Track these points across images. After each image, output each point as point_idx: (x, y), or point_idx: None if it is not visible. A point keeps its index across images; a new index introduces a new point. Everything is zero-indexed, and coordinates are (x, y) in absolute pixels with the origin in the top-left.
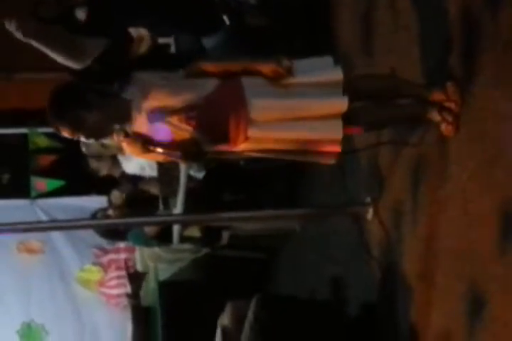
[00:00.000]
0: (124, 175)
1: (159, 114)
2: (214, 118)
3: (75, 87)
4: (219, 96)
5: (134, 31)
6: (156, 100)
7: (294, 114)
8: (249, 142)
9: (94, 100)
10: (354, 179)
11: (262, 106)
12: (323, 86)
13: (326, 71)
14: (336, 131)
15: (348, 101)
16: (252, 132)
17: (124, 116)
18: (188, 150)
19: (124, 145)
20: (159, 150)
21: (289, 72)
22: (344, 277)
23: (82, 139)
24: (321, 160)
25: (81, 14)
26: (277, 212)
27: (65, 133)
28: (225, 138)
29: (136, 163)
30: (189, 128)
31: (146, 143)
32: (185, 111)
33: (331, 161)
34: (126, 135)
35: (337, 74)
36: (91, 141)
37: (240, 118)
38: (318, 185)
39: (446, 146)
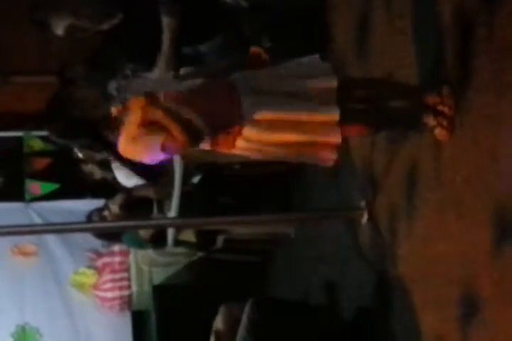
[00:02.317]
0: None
1: None
2: (207, 103)
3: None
4: (212, 87)
5: None
6: None
7: (290, 116)
8: (245, 142)
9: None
10: (348, 183)
11: (255, 105)
12: (318, 94)
13: (321, 78)
14: (334, 135)
15: (339, 110)
16: (247, 131)
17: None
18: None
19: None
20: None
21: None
22: (338, 281)
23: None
24: (320, 161)
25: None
26: (272, 216)
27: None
28: (223, 126)
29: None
30: (188, 110)
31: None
32: (177, 96)
33: (331, 160)
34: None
35: (332, 82)
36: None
37: (234, 117)
38: (312, 189)
39: (441, 150)
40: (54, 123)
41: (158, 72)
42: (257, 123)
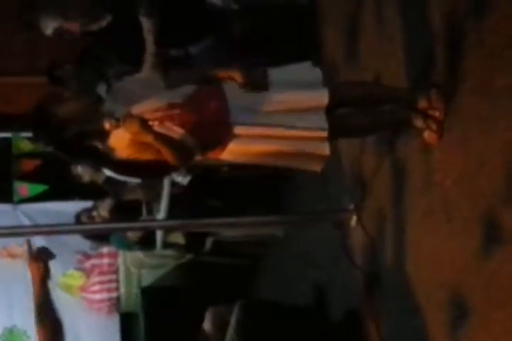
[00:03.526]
0: (107, 182)
1: None
2: (199, 118)
3: None
4: (201, 97)
5: None
6: (140, 108)
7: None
8: (228, 154)
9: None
10: (337, 186)
11: (244, 123)
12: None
13: (311, 89)
14: (322, 147)
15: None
16: (234, 145)
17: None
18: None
19: (121, 128)
20: (158, 128)
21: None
22: (327, 283)
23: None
24: (307, 167)
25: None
26: (261, 218)
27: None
28: (213, 141)
29: None
30: (179, 129)
31: (144, 122)
32: (167, 109)
33: (319, 168)
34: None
35: (322, 95)
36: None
37: (223, 127)
38: (301, 192)
39: (430, 153)
40: (41, 135)
41: (145, 74)
42: (238, 137)
